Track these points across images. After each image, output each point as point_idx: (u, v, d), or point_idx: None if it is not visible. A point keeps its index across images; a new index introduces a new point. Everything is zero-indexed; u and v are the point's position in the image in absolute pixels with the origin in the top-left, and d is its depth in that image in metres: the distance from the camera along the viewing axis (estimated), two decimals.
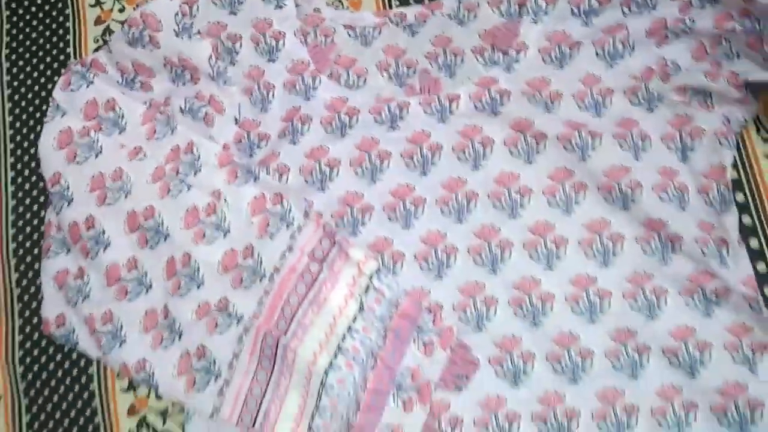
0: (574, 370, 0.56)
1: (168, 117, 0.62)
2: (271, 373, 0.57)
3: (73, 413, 0.59)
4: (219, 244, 0.59)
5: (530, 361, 0.57)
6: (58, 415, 0.59)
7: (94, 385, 0.60)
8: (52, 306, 0.59)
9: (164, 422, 0.59)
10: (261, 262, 0.58)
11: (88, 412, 0.59)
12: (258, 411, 0.56)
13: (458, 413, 0.56)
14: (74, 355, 0.61)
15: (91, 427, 0.58)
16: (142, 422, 0.59)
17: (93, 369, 0.60)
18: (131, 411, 0.59)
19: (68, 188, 0.61)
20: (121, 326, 0.57)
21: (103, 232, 0.59)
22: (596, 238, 0.59)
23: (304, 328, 0.57)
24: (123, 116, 0.62)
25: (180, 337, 0.58)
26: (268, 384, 0.56)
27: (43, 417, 0.59)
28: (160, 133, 0.62)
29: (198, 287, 0.58)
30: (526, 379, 0.56)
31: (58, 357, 0.61)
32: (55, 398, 0.59)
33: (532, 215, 0.60)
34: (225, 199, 0.60)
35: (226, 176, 0.60)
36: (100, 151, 0.61)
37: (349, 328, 0.57)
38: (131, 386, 0.60)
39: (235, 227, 0.59)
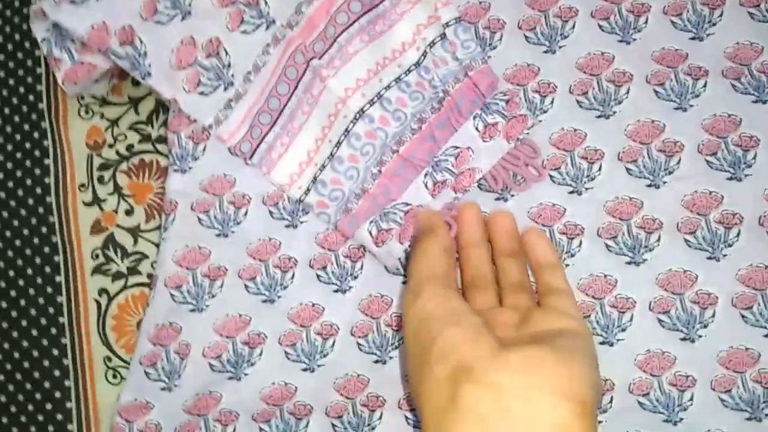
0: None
1: None
2: (287, 101, 0.49)
3: (26, 232, 0.52)
4: None
5: None
6: (8, 234, 0.52)
7: (51, 198, 0.52)
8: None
9: (136, 242, 0.53)
10: None
11: (44, 230, 0.52)
12: (260, 143, 0.49)
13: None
14: (28, 163, 0.53)
15: (47, 249, 0.52)
16: (109, 242, 0.52)
17: (50, 180, 0.53)
18: (96, 228, 0.53)
19: None
20: None
21: None
22: None
23: (344, 57, 0.48)
24: None
25: (185, 17, 0.49)
26: (280, 114, 0.49)
27: None
28: None
29: None
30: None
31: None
32: (5, 214, 0.52)
33: None
34: None
35: None
36: None
37: (398, 79, 0.48)
38: (96, 199, 0.53)
39: None
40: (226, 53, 0.49)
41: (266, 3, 0.49)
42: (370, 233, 0.47)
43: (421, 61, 0.48)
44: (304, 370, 0.48)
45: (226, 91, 0.49)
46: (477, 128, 0.47)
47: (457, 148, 0.47)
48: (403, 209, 0.47)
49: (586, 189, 0.48)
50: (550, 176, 0.49)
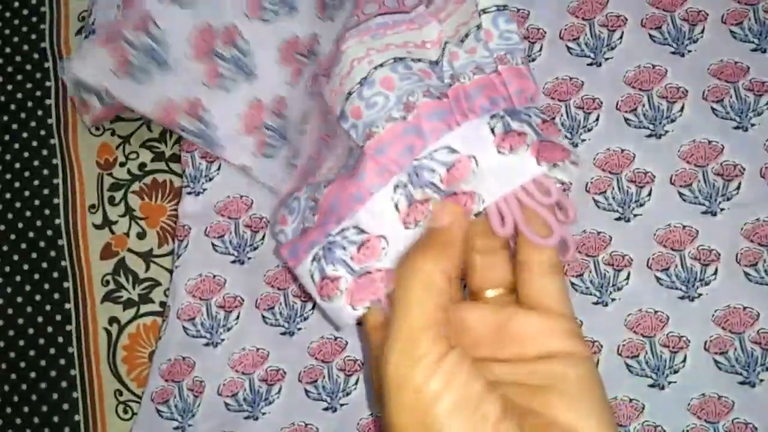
0: None
1: None
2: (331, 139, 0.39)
3: (35, 255, 0.49)
4: None
5: None
6: (16, 257, 0.49)
7: (60, 220, 0.49)
8: None
9: (148, 268, 0.49)
10: None
11: (53, 254, 0.49)
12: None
13: None
14: (36, 183, 0.50)
15: (56, 274, 0.49)
16: (120, 267, 0.49)
17: (59, 201, 0.50)
18: (106, 253, 0.49)
19: None
20: (165, 43, 0.44)
21: None
22: None
23: (336, 59, 0.37)
24: None
25: (250, 77, 0.45)
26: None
27: None
28: None
29: (290, 10, 0.45)
30: None
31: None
32: (12, 236, 0.49)
33: None
34: None
35: None
36: None
37: (397, 59, 0.34)
38: (107, 222, 0.50)
39: None
40: (287, 110, 0.45)
41: (320, 44, 0.44)
42: (312, 277, 0.33)
43: (440, 59, 0.35)
44: (326, 409, 0.45)
45: (285, 150, 0.45)
46: (493, 130, 0.32)
47: (453, 152, 0.32)
48: (356, 239, 0.32)
49: (635, 215, 0.44)
50: (595, 201, 0.45)
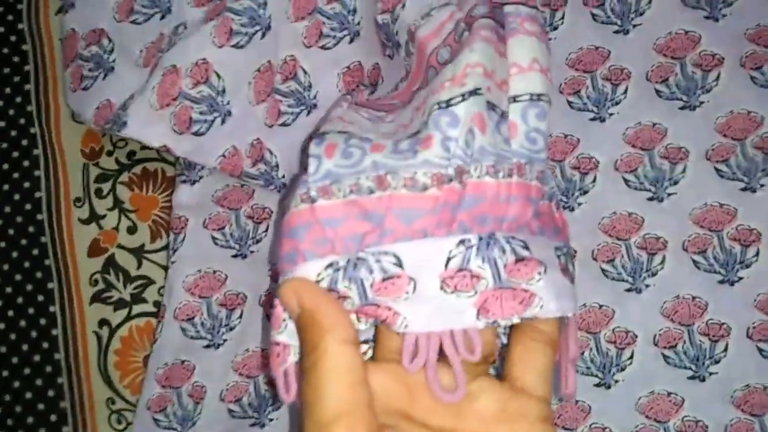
0: None
1: None
2: None
3: (15, 254, 0.46)
4: None
5: None
6: None
7: (43, 215, 0.46)
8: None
9: (140, 264, 0.46)
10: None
11: (35, 252, 0.46)
12: None
13: None
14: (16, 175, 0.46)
15: (40, 274, 0.46)
16: (110, 265, 0.46)
17: (42, 194, 0.46)
18: (94, 250, 0.46)
19: None
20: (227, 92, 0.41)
21: None
22: None
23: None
24: None
25: (310, 112, 0.43)
26: None
27: None
28: None
29: (352, 36, 0.43)
30: None
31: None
32: None
33: None
34: None
35: None
36: None
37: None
38: (94, 216, 0.46)
39: None
40: None
41: (382, 78, 0.42)
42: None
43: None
44: None
45: None
46: (449, 261, 0.28)
47: (398, 265, 0.28)
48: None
49: (668, 195, 0.41)
50: (625, 180, 0.41)
